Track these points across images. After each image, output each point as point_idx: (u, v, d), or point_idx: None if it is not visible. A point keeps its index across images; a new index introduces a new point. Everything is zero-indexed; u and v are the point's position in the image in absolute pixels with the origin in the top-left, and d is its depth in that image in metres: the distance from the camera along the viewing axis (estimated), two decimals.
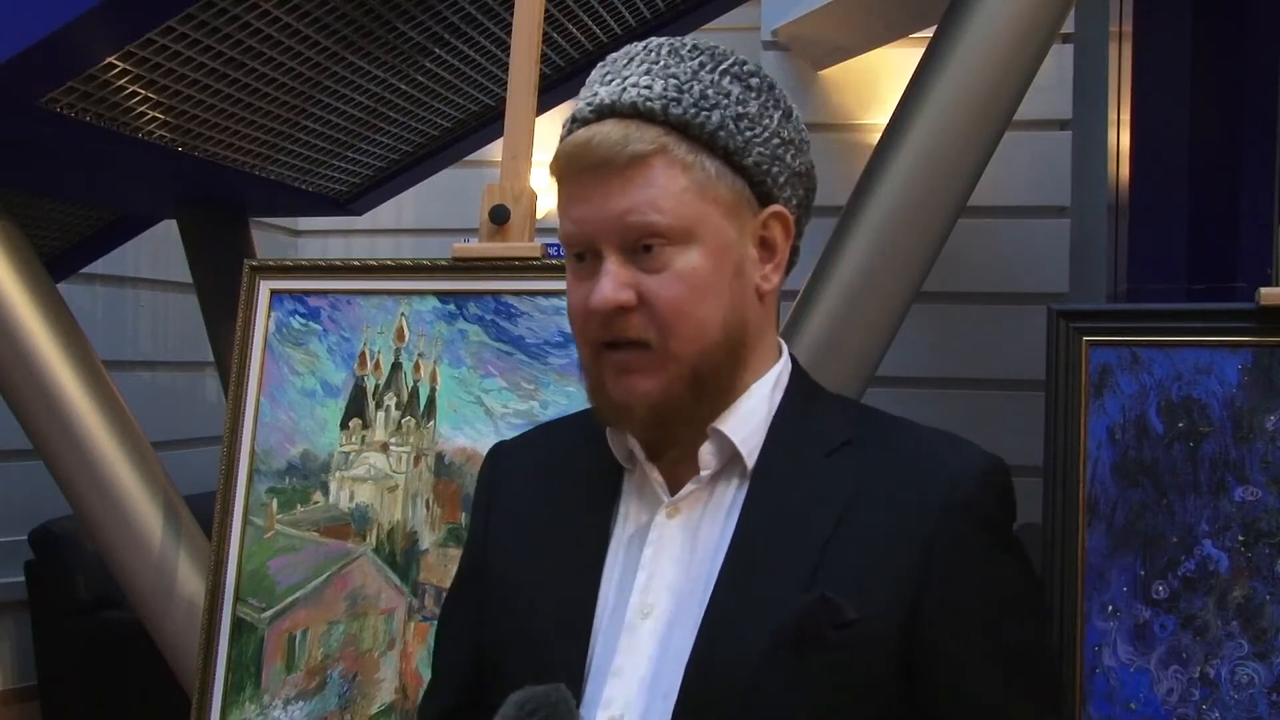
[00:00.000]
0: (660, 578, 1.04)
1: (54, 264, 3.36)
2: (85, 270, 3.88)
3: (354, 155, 3.16)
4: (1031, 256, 4.54)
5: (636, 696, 1.01)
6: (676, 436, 1.06)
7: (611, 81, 1.05)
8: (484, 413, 1.90)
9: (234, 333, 2.01)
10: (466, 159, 3.55)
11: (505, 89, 1.98)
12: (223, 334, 2.88)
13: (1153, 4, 3.73)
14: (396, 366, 1.95)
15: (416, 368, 1.94)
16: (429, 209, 5.54)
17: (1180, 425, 1.77)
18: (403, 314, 1.96)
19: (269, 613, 1.91)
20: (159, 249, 4.65)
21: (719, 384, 1.05)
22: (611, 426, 1.08)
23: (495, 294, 1.92)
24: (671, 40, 1.08)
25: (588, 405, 1.11)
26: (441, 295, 1.95)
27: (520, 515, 1.15)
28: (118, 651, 3.79)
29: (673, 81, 1.02)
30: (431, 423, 1.92)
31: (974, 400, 4.30)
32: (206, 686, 1.89)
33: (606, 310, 1.01)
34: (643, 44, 1.08)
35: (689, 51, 1.06)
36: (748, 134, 1.04)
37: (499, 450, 1.24)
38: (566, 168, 1.04)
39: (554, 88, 3.15)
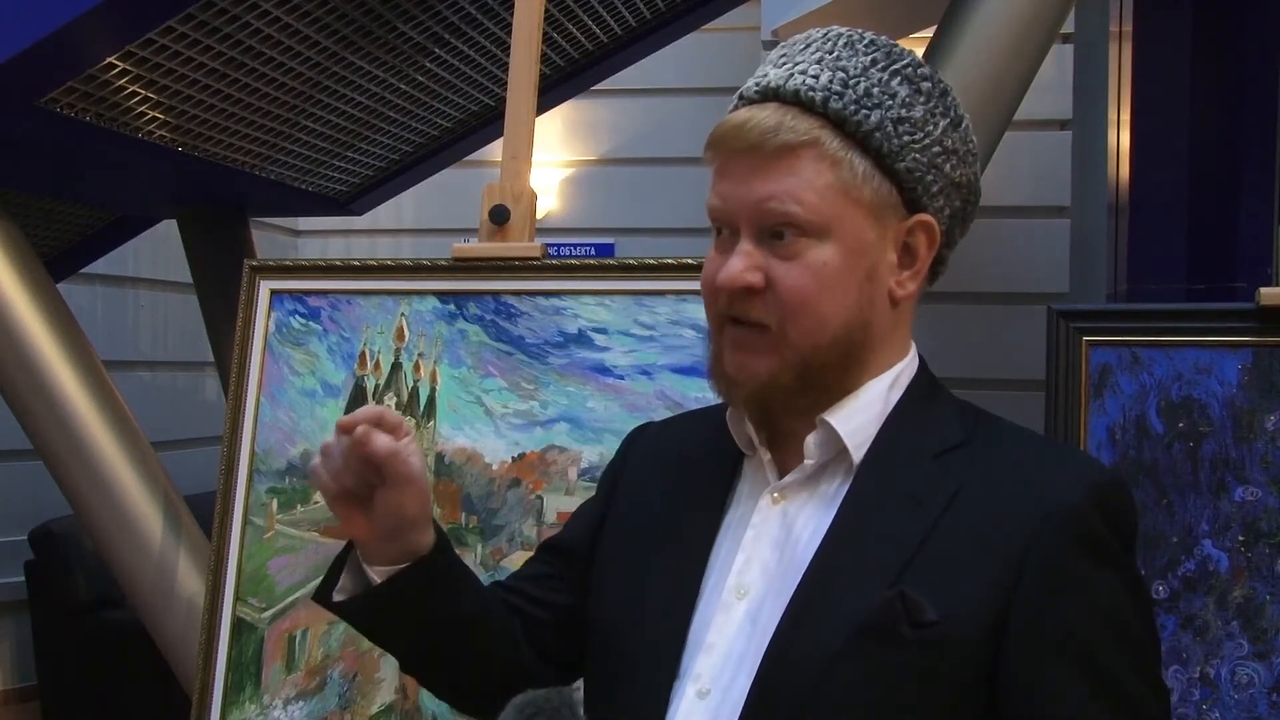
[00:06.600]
0: (757, 560, 1.06)
1: (54, 264, 3.36)
2: (85, 270, 3.88)
3: (354, 155, 3.16)
4: (1031, 256, 4.54)
5: (722, 672, 1.03)
6: (791, 425, 1.07)
7: (784, 65, 1.06)
8: (484, 413, 1.90)
9: (234, 333, 2.01)
10: (466, 159, 3.55)
11: (505, 89, 1.98)
12: (223, 334, 2.88)
13: (1153, 4, 3.72)
14: (396, 366, 1.95)
15: (416, 368, 1.94)
16: (429, 209, 5.54)
17: (1180, 425, 1.76)
18: (403, 314, 1.96)
19: (269, 613, 1.91)
20: (159, 249, 4.66)
21: (828, 380, 1.05)
22: (722, 399, 1.10)
23: (495, 294, 1.92)
24: (852, 32, 1.08)
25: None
26: (441, 295, 1.95)
27: (643, 494, 1.18)
28: (118, 651, 3.80)
29: (840, 75, 1.03)
30: (431, 423, 1.92)
31: (974, 400, 4.28)
32: (206, 686, 1.89)
33: (733, 288, 1.03)
34: (823, 31, 1.08)
35: (865, 46, 1.06)
36: (905, 138, 1.03)
37: (638, 429, 1.27)
38: (720, 146, 1.05)
39: (554, 88, 3.15)
